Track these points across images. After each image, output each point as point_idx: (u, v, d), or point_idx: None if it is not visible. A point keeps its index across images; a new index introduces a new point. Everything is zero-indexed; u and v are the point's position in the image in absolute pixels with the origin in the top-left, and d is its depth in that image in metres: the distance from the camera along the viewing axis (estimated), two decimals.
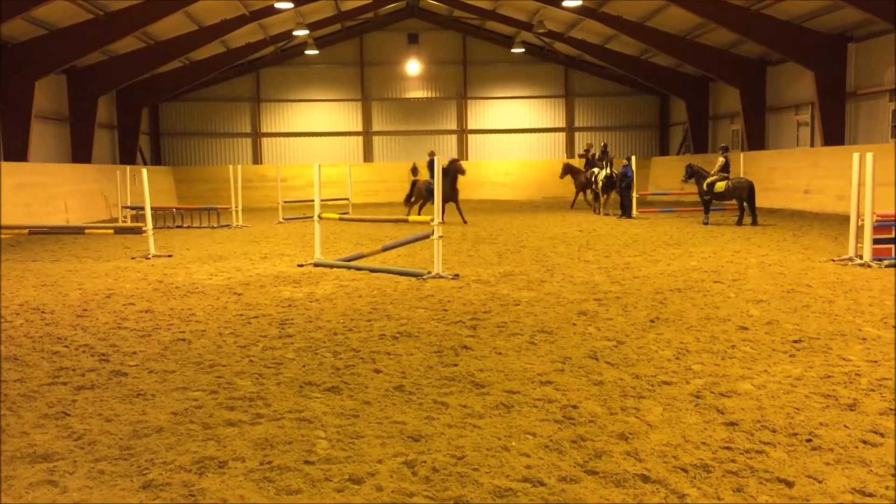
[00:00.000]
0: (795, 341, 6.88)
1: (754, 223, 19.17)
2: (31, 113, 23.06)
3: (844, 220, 13.31)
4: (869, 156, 11.66)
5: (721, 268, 11.73)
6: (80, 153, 27.85)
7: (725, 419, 4.87)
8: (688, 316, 8.13)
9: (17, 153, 22.78)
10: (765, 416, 4.91)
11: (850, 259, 11.91)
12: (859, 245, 11.91)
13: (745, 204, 19.35)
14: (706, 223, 19.89)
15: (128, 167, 24.89)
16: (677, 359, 6.39)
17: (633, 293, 9.62)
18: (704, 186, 19.89)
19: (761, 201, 25.68)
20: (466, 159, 38.95)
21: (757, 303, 8.80)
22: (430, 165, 21.98)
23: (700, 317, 8.08)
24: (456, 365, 6.32)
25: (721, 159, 19.81)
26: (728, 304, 8.73)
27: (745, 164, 23.48)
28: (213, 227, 21.98)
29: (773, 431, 4.64)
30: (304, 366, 6.39)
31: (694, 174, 20.32)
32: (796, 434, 4.59)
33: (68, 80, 27.65)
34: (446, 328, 7.77)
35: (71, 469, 4.25)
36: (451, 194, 20.69)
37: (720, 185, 19.48)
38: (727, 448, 4.39)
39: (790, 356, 6.39)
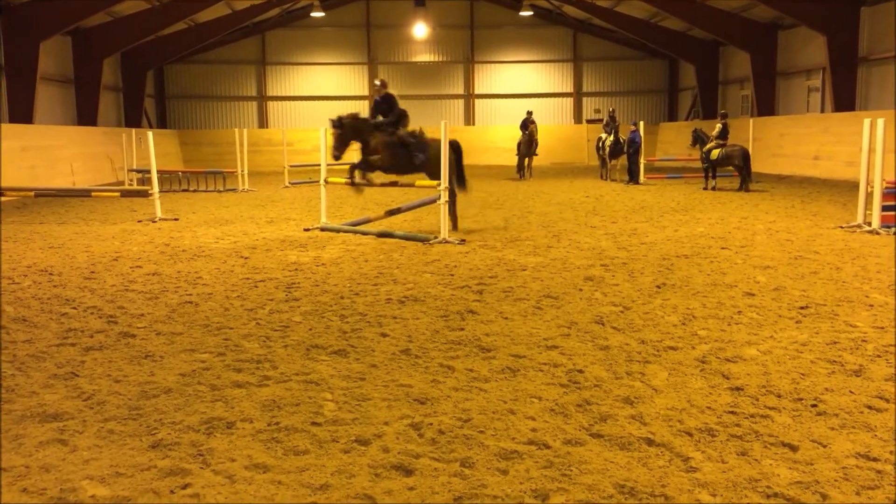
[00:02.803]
0: (802, 307, 6.87)
1: (746, 189, 19.36)
2: (36, 75, 22.93)
3: (854, 186, 13.22)
4: (880, 122, 11.55)
5: (728, 234, 11.69)
6: (86, 116, 27.75)
7: (731, 384, 4.89)
8: (694, 282, 8.12)
9: (23, 115, 22.71)
10: (770, 381, 4.92)
11: (859, 226, 11.85)
12: (868, 212, 11.84)
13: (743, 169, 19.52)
14: (706, 189, 19.93)
15: (133, 130, 24.81)
16: (683, 324, 6.40)
17: (639, 259, 9.60)
18: (702, 153, 20.08)
19: (770, 167, 25.54)
20: (473, 124, 38.75)
21: (764, 269, 8.78)
22: (524, 125, 25.31)
23: (706, 283, 8.07)
24: (462, 329, 6.34)
25: (719, 125, 19.92)
26: (735, 271, 8.71)
27: (755, 130, 23.28)
28: (219, 192, 21.96)
29: (779, 396, 4.65)
30: (310, 329, 6.41)
31: (698, 139, 20.46)
32: (801, 399, 4.60)
33: (73, 42, 27.45)
34: (452, 293, 7.78)
35: (80, 428, 4.29)
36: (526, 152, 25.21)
37: (715, 153, 19.65)
38: (732, 412, 4.41)
39: (797, 322, 6.39)
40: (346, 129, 11.67)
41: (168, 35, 32.31)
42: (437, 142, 11.34)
